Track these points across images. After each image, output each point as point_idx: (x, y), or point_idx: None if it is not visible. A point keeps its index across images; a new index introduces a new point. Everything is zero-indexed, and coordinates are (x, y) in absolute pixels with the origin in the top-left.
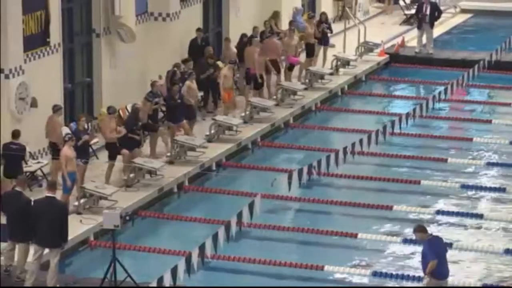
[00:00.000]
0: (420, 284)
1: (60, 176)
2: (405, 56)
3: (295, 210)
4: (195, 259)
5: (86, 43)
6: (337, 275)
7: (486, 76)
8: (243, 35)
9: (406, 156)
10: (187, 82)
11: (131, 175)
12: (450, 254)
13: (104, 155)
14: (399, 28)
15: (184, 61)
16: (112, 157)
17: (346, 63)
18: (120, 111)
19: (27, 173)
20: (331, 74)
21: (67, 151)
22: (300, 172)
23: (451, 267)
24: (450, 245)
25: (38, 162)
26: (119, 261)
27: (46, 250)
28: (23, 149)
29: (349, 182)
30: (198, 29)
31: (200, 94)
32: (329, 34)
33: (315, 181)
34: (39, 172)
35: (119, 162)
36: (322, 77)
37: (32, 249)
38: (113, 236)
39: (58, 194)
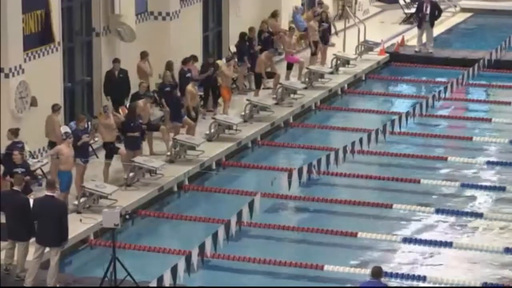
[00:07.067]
0: (421, 284)
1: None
2: (405, 55)
3: (295, 209)
4: (195, 258)
5: (86, 42)
6: (337, 275)
7: (486, 75)
8: (243, 34)
9: (406, 155)
10: (188, 87)
11: (131, 174)
12: (450, 254)
13: (104, 154)
14: (399, 27)
15: (184, 62)
16: (108, 156)
17: (346, 62)
18: (120, 110)
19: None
20: (331, 73)
21: (65, 149)
22: (300, 171)
23: (451, 267)
24: (450, 244)
25: (38, 161)
26: (119, 260)
27: (47, 249)
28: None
29: (349, 181)
30: (114, 60)
31: (200, 93)
32: (328, 33)
33: (315, 180)
34: (39, 171)
35: (118, 161)
36: (322, 76)
37: (32, 248)
38: (113, 235)
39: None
